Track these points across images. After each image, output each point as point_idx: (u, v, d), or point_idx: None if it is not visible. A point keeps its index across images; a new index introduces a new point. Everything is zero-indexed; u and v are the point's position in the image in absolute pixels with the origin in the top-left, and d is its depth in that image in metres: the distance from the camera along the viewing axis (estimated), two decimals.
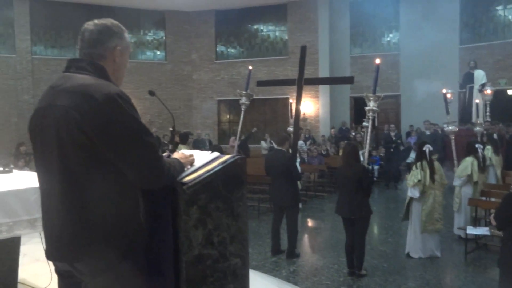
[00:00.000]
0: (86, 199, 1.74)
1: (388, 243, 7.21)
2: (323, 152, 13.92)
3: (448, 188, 7.02)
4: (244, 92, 8.46)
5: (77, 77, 1.81)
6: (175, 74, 18.57)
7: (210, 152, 2.26)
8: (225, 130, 18.97)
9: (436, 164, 6.35)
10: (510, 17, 15.85)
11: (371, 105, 5.98)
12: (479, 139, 8.52)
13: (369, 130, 6.17)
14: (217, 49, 18.84)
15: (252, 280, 2.25)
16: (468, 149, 7.20)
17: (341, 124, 17.14)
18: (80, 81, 1.79)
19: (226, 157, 2.17)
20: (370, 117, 6.07)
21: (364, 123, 8.41)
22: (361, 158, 6.01)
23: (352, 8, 17.88)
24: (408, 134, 15.53)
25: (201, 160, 2.15)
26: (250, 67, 9.03)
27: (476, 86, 12.15)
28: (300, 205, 7.42)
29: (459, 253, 6.47)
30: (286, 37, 17.94)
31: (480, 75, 12.30)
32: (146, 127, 1.83)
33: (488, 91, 10.64)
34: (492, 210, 5.89)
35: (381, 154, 14.00)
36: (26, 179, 3.24)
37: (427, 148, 6.28)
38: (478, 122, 9.24)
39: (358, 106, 16.62)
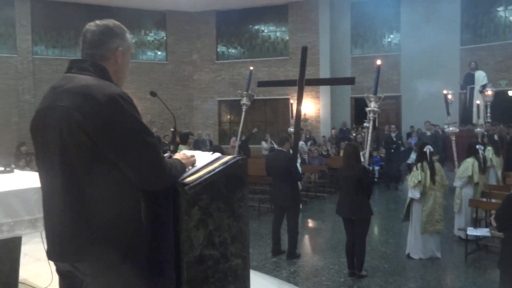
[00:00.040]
0: (87, 199, 1.74)
1: (389, 244, 7.21)
2: (324, 153, 13.92)
3: (449, 189, 7.02)
4: (245, 92, 8.47)
5: (79, 78, 1.82)
6: (176, 75, 18.58)
7: (211, 152, 2.27)
8: (226, 131, 18.97)
9: (437, 165, 6.35)
10: (511, 18, 15.83)
11: (372, 106, 5.98)
12: (479, 140, 8.52)
13: (370, 131, 6.17)
14: (218, 50, 18.84)
15: (252, 280, 2.25)
16: (469, 150, 7.20)
17: (342, 125, 17.14)
18: (82, 82, 1.79)
19: (227, 157, 2.17)
20: (371, 118, 6.07)
21: (365, 124, 8.42)
22: (362, 159, 6.00)
23: (353, 8, 17.88)
24: (409, 135, 15.52)
25: (203, 161, 2.15)
26: (251, 68, 9.04)
27: (477, 87, 12.15)
28: (301, 206, 7.42)
29: (460, 254, 6.47)
30: (287, 38, 17.94)
31: (480, 76, 12.30)
32: (148, 127, 1.84)
33: (489, 92, 10.65)
34: (493, 211, 5.89)
35: (381, 155, 14.00)
36: (27, 179, 3.25)
37: (428, 149, 6.28)
38: (479, 123, 9.25)
39: (359, 107, 16.61)
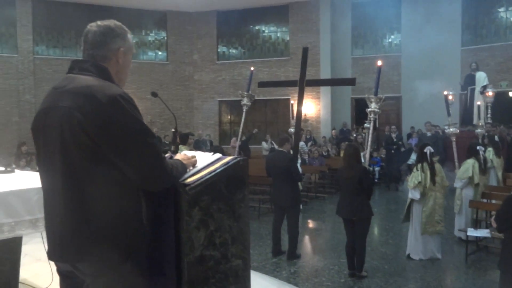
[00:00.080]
0: (88, 200, 1.75)
1: (389, 244, 7.21)
2: (324, 153, 13.92)
3: (449, 190, 7.02)
4: (245, 93, 8.47)
5: (80, 79, 1.83)
6: (176, 75, 18.58)
7: (212, 153, 2.27)
8: (226, 131, 18.97)
9: (437, 166, 6.35)
10: (511, 19, 15.84)
11: (373, 106, 5.98)
12: (480, 141, 8.51)
13: (371, 131, 6.17)
14: (219, 50, 18.84)
15: (252, 281, 2.25)
16: (469, 151, 7.20)
17: (342, 125, 17.13)
18: (83, 82, 1.80)
19: (228, 158, 2.18)
20: (372, 119, 6.06)
21: (366, 125, 8.41)
22: (362, 160, 6.00)
23: (354, 9, 17.87)
24: (409, 136, 15.51)
25: (203, 162, 2.15)
26: (252, 68, 9.03)
27: (478, 88, 12.13)
28: (301, 206, 7.42)
29: (460, 255, 6.47)
30: (288, 38, 17.94)
31: (481, 77, 12.28)
32: (149, 128, 1.84)
33: (490, 93, 10.64)
34: (493, 212, 5.89)
35: (382, 156, 13.99)
36: (28, 179, 3.25)
37: (428, 149, 6.28)
38: (479, 124, 9.23)
39: (359, 107, 16.60)
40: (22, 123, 15.56)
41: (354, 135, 15.15)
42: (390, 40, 17.91)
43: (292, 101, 10.94)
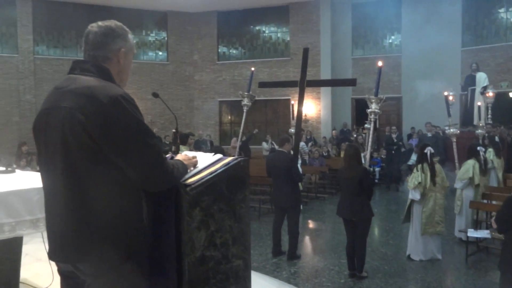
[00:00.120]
0: (89, 200, 1.75)
1: (389, 245, 7.21)
2: (324, 154, 13.92)
3: (449, 191, 7.02)
4: (246, 93, 8.47)
5: (81, 79, 1.83)
6: (177, 75, 18.58)
7: (213, 153, 2.27)
8: (227, 131, 18.98)
9: (438, 166, 6.35)
10: None
11: (373, 107, 5.97)
12: (480, 141, 8.51)
13: (371, 132, 6.17)
14: (219, 50, 18.85)
15: (252, 281, 2.26)
16: (470, 152, 7.20)
17: (343, 126, 17.13)
18: (85, 83, 1.80)
19: (229, 159, 2.18)
20: (372, 119, 6.06)
21: (366, 125, 8.40)
22: (363, 160, 6.00)
23: (354, 9, 17.87)
24: (410, 136, 15.52)
25: (204, 162, 2.16)
26: (253, 69, 9.02)
27: (478, 89, 12.12)
28: (301, 207, 7.42)
29: (460, 255, 6.47)
30: (288, 39, 17.94)
31: (482, 78, 12.27)
32: (150, 129, 1.85)
33: (490, 93, 10.63)
34: (493, 213, 5.88)
35: (382, 156, 13.99)
36: (29, 179, 3.25)
37: (429, 150, 6.28)
38: (480, 124, 9.22)
39: (360, 108, 16.62)
40: (23, 123, 15.57)
41: (355, 135, 15.15)
42: (390, 41, 17.91)
43: (292, 102, 10.94)
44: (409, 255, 6.37)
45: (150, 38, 18.64)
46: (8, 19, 16.19)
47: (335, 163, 12.52)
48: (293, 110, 10.45)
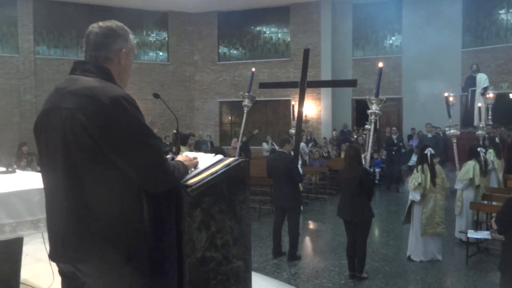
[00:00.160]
0: (89, 200, 1.75)
1: (390, 246, 7.21)
2: (325, 154, 13.92)
3: (450, 192, 7.01)
4: (247, 94, 8.47)
5: (82, 80, 1.83)
6: (177, 75, 18.59)
7: (213, 154, 2.27)
8: (227, 132, 18.98)
9: (438, 167, 6.34)
10: None
11: (374, 108, 5.98)
12: (481, 142, 8.51)
13: (372, 133, 6.17)
14: (220, 51, 18.85)
15: (253, 282, 2.26)
16: (470, 153, 7.20)
17: (343, 127, 17.13)
18: (86, 83, 1.80)
19: (229, 160, 2.18)
20: (373, 120, 6.06)
21: (366, 126, 8.41)
22: (363, 161, 6.00)
23: (355, 10, 17.88)
24: (410, 137, 15.51)
25: (205, 163, 2.16)
26: (253, 69, 9.02)
27: (478, 90, 12.13)
28: (302, 207, 7.41)
29: (461, 256, 6.47)
30: (289, 39, 17.95)
31: (482, 79, 12.28)
32: (151, 129, 1.85)
33: (490, 94, 10.64)
34: (494, 214, 5.88)
35: (382, 157, 13.99)
36: (30, 180, 3.24)
37: (429, 151, 6.28)
38: (480, 125, 9.22)
39: (360, 109, 16.63)
40: (23, 123, 15.57)
41: (355, 136, 15.16)
42: (391, 42, 17.91)
43: (293, 102, 10.96)
44: (409, 256, 6.37)
45: (150, 39, 18.65)
46: (9, 19, 16.20)
47: (336, 163, 12.52)
48: (293, 111, 10.46)
